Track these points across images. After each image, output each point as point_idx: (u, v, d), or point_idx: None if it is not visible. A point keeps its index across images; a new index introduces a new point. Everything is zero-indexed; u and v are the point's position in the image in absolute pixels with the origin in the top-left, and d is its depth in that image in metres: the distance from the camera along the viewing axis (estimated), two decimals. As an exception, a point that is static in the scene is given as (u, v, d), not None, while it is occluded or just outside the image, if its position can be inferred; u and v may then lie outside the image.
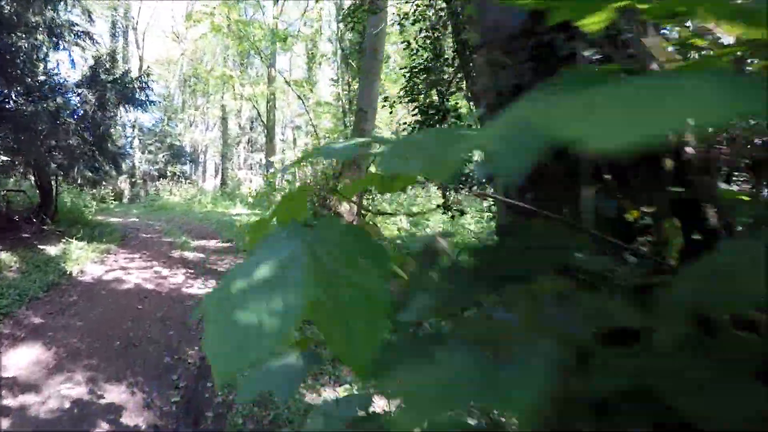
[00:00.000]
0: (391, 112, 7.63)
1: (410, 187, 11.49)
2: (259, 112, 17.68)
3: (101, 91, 7.52)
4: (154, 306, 4.68)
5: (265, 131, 17.54)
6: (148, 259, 6.92)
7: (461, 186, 4.08)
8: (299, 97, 12.25)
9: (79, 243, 7.09)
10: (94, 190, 16.45)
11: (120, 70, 9.37)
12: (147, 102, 8.42)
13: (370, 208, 9.27)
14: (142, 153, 20.65)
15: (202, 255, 7.54)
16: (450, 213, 4.09)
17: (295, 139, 27.62)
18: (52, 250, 6.75)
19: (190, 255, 7.41)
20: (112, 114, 7.88)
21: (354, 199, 8.07)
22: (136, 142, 19.88)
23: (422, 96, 4.28)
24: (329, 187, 8.16)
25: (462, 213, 4.10)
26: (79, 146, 7.12)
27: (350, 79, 15.75)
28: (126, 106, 8.07)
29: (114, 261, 6.65)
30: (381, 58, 7.99)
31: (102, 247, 7.30)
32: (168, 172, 20.35)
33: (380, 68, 8.17)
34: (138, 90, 8.07)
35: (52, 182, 8.62)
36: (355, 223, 8.21)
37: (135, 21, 20.98)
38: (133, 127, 19.86)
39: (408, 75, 4.20)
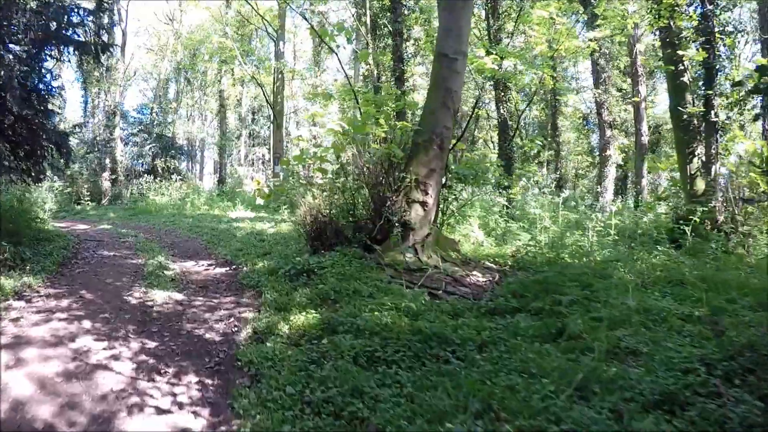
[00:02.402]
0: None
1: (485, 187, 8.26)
2: (265, 94, 14.51)
3: (10, 16, 4.38)
4: None
5: (272, 117, 14.37)
6: (79, 312, 3.77)
7: None
8: (331, 50, 9.10)
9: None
10: (59, 187, 13.26)
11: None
12: (99, 45, 5.25)
13: (449, 212, 6.13)
14: (125, 145, 17.45)
15: (181, 297, 4.39)
16: None
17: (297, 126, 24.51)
18: None
19: (159, 298, 4.25)
20: (33, 56, 4.71)
21: (431, 199, 4.98)
22: (117, 132, 16.66)
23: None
24: (390, 182, 5.03)
25: None
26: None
27: (379, 52, 12.59)
28: (61, 46, 4.89)
29: (10, 322, 3.49)
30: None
31: (11, 286, 4.15)
32: (158, 168, 17.13)
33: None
34: (79, 21, 4.91)
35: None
36: (430, 235, 5.06)
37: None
38: (115, 113, 16.63)
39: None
